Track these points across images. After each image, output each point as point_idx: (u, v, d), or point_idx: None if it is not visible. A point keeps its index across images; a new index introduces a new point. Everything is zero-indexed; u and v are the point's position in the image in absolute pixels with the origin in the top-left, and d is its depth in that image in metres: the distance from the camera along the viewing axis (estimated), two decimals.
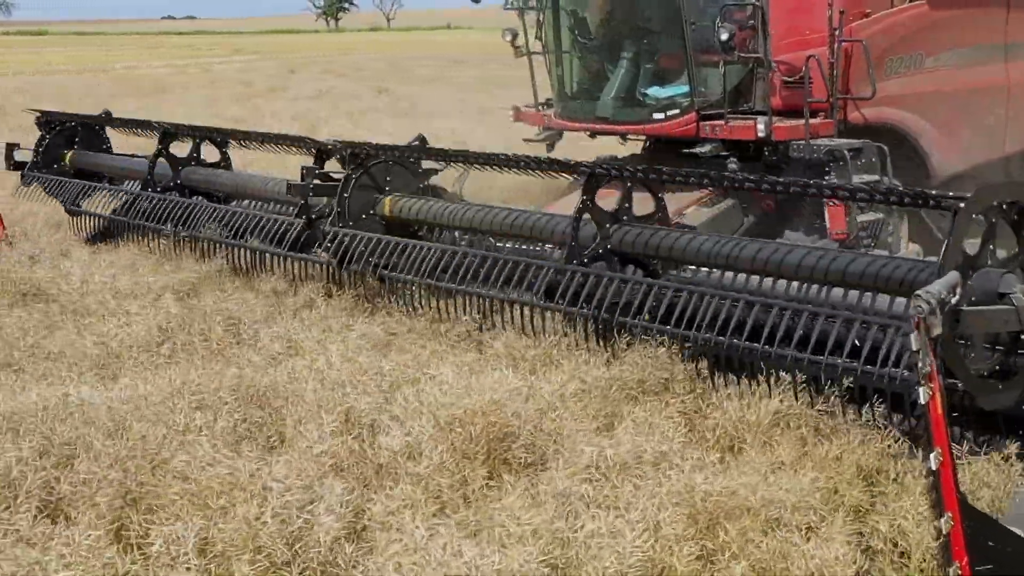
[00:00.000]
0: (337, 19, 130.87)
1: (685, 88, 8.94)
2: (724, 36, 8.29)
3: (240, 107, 22.53)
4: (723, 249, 5.61)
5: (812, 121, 8.41)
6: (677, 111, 8.91)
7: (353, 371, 5.25)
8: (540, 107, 10.26)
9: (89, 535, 3.73)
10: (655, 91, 9.21)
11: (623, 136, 9.79)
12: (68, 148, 10.11)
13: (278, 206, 8.11)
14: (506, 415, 4.51)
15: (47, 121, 10.10)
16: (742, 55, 8.48)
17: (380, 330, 6.11)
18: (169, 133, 8.92)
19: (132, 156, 9.79)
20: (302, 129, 17.12)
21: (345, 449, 4.38)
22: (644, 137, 9.71)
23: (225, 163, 9.03)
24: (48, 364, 5.73)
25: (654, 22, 9.26)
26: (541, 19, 9.88)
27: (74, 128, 10.15)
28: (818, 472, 4.16)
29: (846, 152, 8.14)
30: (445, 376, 4.98)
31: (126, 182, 9.52)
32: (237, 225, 7.94)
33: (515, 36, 10.13)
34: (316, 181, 7.27)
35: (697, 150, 8.76)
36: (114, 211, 9.03)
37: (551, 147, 10.00)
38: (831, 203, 7.91)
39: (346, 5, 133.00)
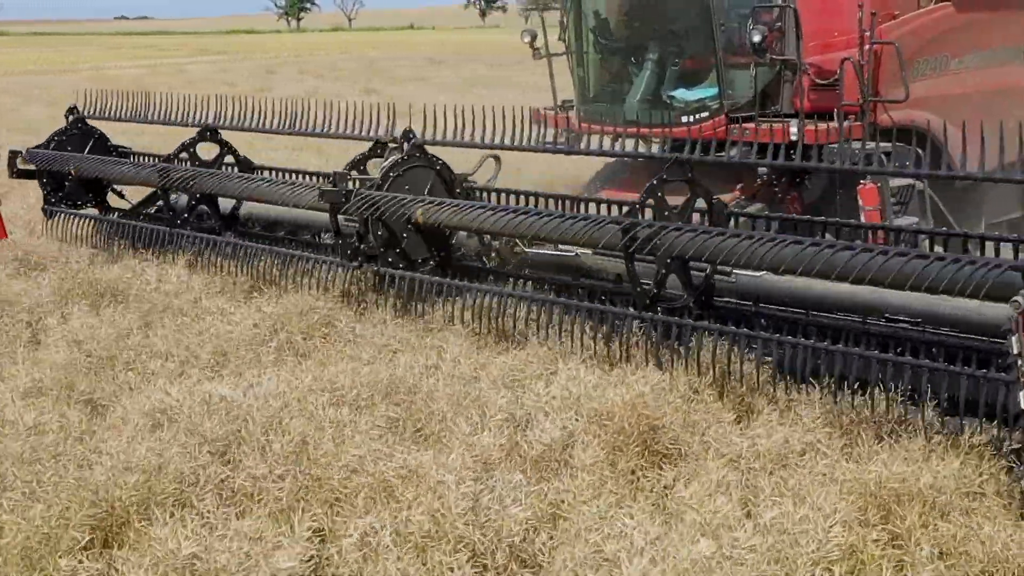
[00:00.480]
0: (299, 19, 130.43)
1: (713, 90, 8.90)
2: (757, 38, 8.21)
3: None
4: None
5: (834, 124, 8.27)
6: (706, 114, 8.84)
7: (476, 366, 5.35)
8: (558, 109, 10.10)
9: (281, 529, 3.81)
10: (683, 93, 9.15)
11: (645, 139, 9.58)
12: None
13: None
14: (652, 408, 4.62)
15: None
16: (774, 57, 8.43)
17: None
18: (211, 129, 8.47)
19: (142, 157, 9.28)
20: None
21: (498, 442, 4.47)
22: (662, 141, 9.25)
23: (244, 164, 8.66)
24: (160, 362, 5.77)
25: (683, 24, 9.19)
26: (565, 21, 9.77)
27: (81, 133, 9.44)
28: (959, 460, 4.27)
29: (883, 156, 7.85)
30: (577, 371, 5.08)
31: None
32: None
33: (534, 38, 9.96)
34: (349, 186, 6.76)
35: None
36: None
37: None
38: (864, 183, 7.86)
39: (308, 5, 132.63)
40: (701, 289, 5.76)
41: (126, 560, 3.65)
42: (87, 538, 3.83)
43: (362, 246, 6.74)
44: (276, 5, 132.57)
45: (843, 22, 8.55)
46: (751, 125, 8.38)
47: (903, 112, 8.61)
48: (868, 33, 8.31)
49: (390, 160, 6.87)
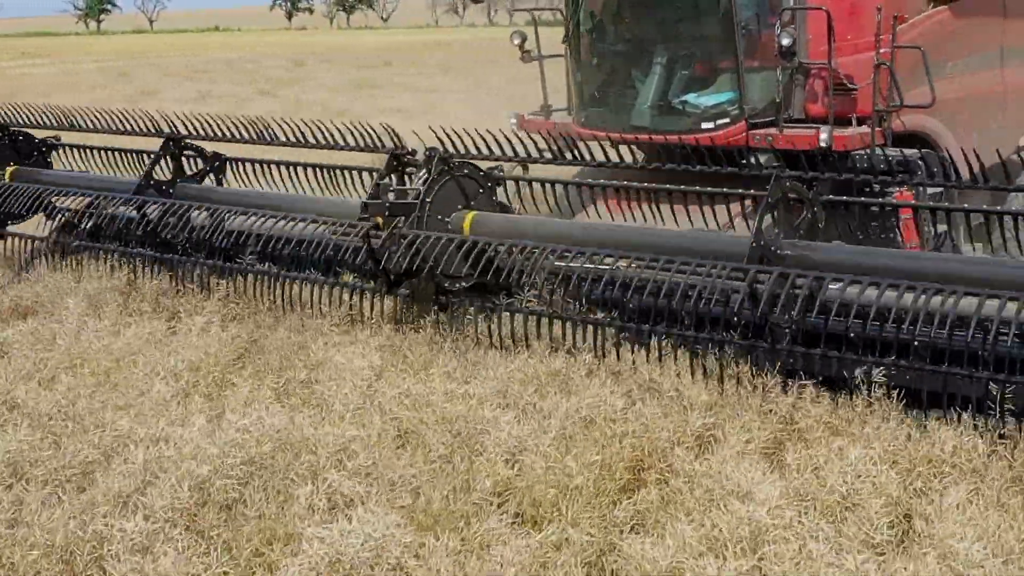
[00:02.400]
0: (99, 20, 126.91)
1: (730, 95, 8.54)
2: (786, 41, 7.91)
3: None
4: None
5: (864, 130, 8.21)
6: (727, 120, 8.44)
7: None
8: (547, 114, 9.73)
9: None
10: (700, 99, 8.72)
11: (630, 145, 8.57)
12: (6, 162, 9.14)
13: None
14: None
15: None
16: (803, 62, 8.22)
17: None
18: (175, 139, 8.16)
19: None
20: None
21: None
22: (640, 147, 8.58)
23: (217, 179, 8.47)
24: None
25: (700, 26, 8.82)
26: (570, 22, 9.24)
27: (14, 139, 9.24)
28: None
29: (920, 162, 7.62)
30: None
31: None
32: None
33: (524, 40, 9.61)
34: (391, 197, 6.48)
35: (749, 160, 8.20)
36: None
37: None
38: (900, 190, 7.65)
39: (108, 6, 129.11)
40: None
41: None
42: None
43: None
44: (75, 7, 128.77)
45: (859, 25, 8.32)
46: (772, 131, 8.24)
47: (910, 117, 8.51)
48: (885, 36, 8.13)
49: (420, 178, 6.57)
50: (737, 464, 4.44)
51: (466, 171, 6.80)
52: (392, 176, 6.87)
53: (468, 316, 6.32)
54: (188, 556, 3.85)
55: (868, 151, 8.13)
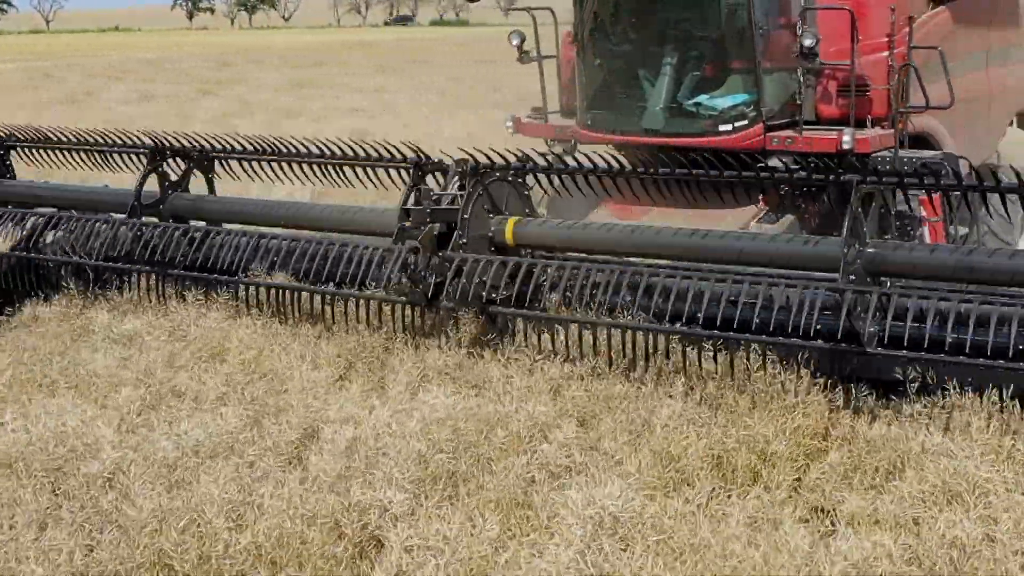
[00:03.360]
0: None
1: (745, 96, 8.40)
2: (809, 42, 7.82)
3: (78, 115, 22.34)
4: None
5: (883, 132, 8.18)
6: (746, 122, 8.30)
7: None
8: (547, 117, 9.48)
9: None
10: (715, 100, 8.55)
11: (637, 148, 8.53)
12: None
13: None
14: None
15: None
16: (825, 63, 8.12)
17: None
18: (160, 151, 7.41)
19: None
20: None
21: None
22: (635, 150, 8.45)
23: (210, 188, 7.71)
24: None
25: (718, 26, 8.62)
26: (579, 21, 8.99)
27: None
28: None
29: (947, 164, 7.54)
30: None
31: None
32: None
33: (523, 40, 9.33)
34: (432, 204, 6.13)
35: (772, 164, 7.93)
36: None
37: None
38: (929, 220, 7.82)
39: (4, 6, 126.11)
40: None
41: None
42: None
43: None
44: None
45: (870, 25, 8.20)
46: (790, 133, 8.16)
47: (919, 119, 8.45)
48: (899, 36, 8.13)
49: (453, 183, 6.22)
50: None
51: (497, 175, 6.30)
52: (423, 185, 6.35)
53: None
54: (452, 522, 4.09)
55: (890, 153, 8.06)
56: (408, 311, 6.08)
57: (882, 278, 5.37)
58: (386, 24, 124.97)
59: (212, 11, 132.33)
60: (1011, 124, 10.61)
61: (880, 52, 8.17)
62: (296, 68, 35.91)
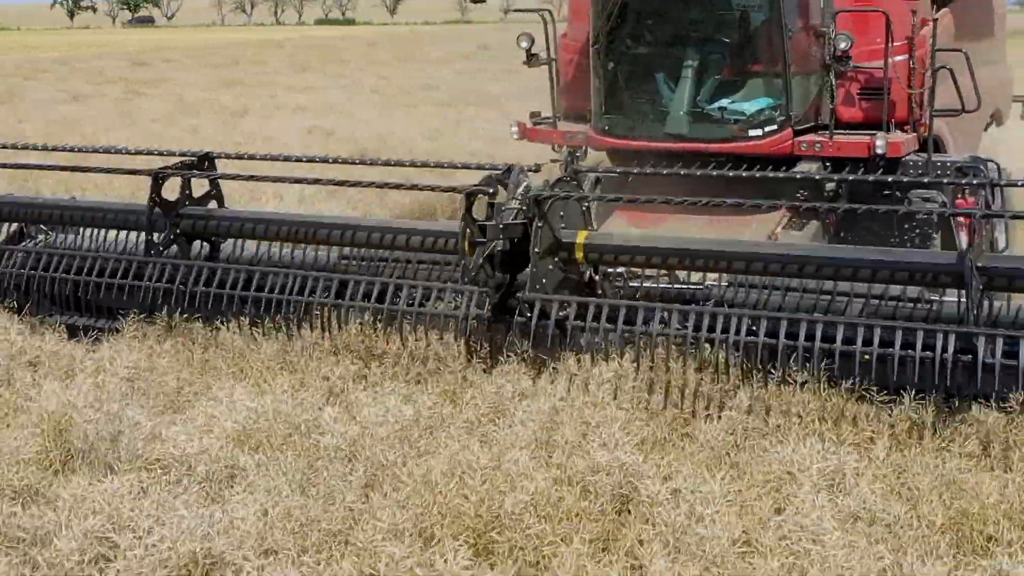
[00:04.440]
0: None
1: (771, 101, 8.29)
2: (843, 45, 7.81)
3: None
4: None
5: (906, 135, 8.13)
6: (775, 127, 8.17)
7: None
8: (556, 122, 9.19)
9: None
10: (742, 105, 8.40)
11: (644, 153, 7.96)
12: None
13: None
14: None
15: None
16: (858, 66, 8.08)
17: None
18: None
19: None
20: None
21: None
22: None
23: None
24: None
25: (748, 30, 8.54)
26: (598, 23, 8.67)
27: None
28: None
29: (982, 167, 7.45)
30: None
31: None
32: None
33: (532, 43, 9.00)
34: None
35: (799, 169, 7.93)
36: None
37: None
38: (963, 197, 7.87)
39: None
40: None
41: None
42: None
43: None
44: None
45: (881, 28, 8.04)
46: (820, 138, 8.13)
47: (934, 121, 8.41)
48: (920, 39, 8.13)
49: (518, 195, 5.73)
50: None
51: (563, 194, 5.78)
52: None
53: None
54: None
55: (918, 157, 8.11)
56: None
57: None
58: (125, 25, 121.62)
59: (94, 10, 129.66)
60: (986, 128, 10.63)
61: (901, 54, 8.12)
62: (215, 67, 35.60)
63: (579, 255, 5.70)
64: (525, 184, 5.68)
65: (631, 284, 5.90)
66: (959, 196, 7.87)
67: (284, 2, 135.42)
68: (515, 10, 9.81)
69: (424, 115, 21.19)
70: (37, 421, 4.89)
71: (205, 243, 6.77)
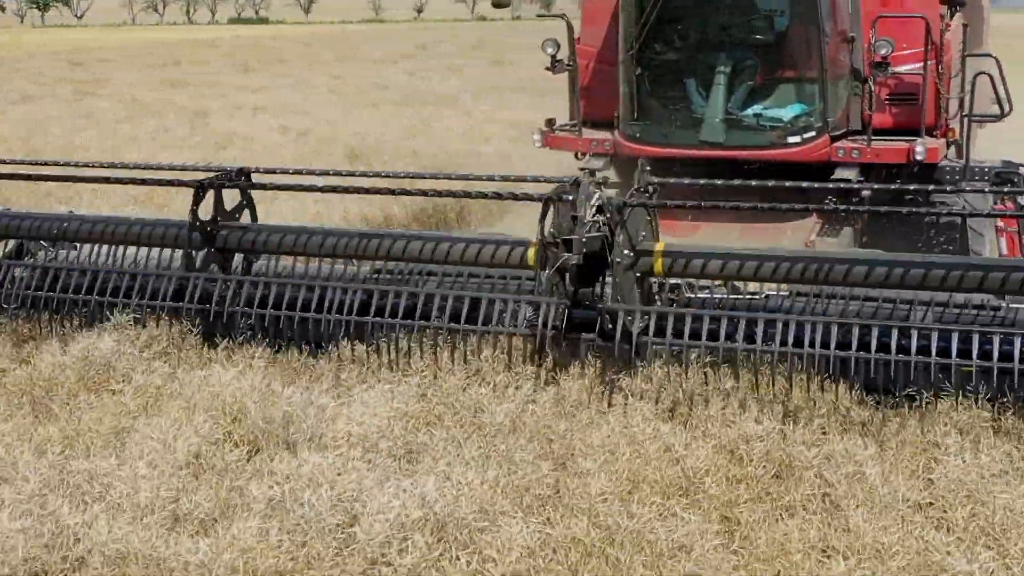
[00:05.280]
0: None
1: (806, 107, 8.31)
2: (884, 51, 7.77)
3: None
4: None
5: (938, 141, 8.19)
6: (813, 133, 8.17)
7: None
8: (580, 130, 9.11)
9: None
10: (779, 111, 8.42)
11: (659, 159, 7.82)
12: None
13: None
14: None
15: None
16: (897, 71, 8.10)
17: None
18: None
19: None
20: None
21: None
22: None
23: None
24: None
25: (786, 36, 8.55)
26: (630, 29, 8.58)
27: None
28: None
29: (1020, 171, 7.69)
30: None
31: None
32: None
33: (558, 49, 8.89)
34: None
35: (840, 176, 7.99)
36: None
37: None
38: (1007, 230, 8.03)
39: None
40: None
41: None
42: None
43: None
44: None
45: (911, 33, 8.11)
46: (857, 144, 8.12)
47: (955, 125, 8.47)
48: (947, 44, 8.23)
49: (592, 206, 5.57)
50: None
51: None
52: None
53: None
54: None
55: (955, 163, 8.23)
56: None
57: None
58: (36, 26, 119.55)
59: (3, 9, 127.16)
60: None
61: (930, 60, 8.12)
62: (153, 68, 35.36)
63: (657, 265, 5.57)
64: (598, 195, 5.60)
65: (687, 295, 5.80)
66: (998, 201, 8.09)
67: (197, 1, 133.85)
68: (539, 16, 9.66)
69: (387, 115, 21.42)
70: (208, 407, 5.19)
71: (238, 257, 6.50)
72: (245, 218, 6.63)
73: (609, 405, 5.28)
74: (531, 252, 5.75)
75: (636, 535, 4.04)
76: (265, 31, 78.52)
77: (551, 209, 5.56)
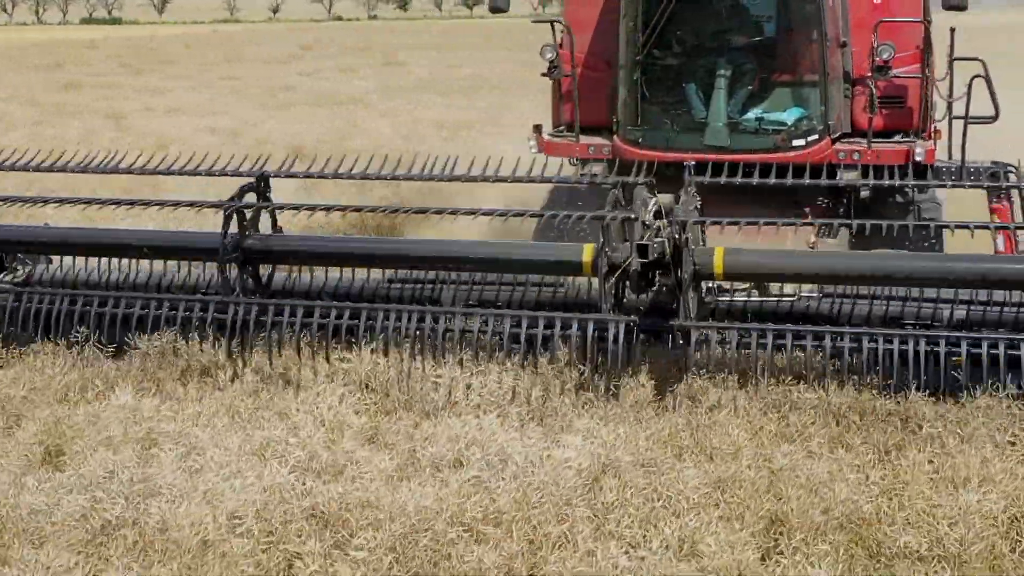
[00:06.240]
0: None
1: (806, 110, 8.41)
2: (887, 55, 7.87)
3: None
4: None
5: (931, 143, 8.30)
6: (816, 136, 8.27)
7: None
8: (578, 136, 8.89)
9: None
10: (782, 115, 8.49)
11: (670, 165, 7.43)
12: None
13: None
14: None
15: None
16: (897, 75, 8.14)
17: None
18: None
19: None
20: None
21: None
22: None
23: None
24: None
25: (789, 39, 8.62)
26: (628, 31, 8.61)
27: None
28: None
29: (1011, 170, 7.74)
30: None
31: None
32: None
33: (556, 55, 8.84)
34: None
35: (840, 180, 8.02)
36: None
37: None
38: (997, 203, 8.23)
39: None
40: None
41: None
42: None
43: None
44: None
45: (903, 35, 8.16)
46: (858, 147, 8.20)
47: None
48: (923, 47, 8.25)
49: (650, 211, 5.75)
50: None
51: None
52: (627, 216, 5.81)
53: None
54: None
55: (950, 163, 8.45)
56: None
57: None
58: None
59: None
60: None
61: (913, 64, 8.24)
62: (38, 70, 34.67)
63: (718, 272, 5.77)
64: (654, 201, 5.69)
65: (720, 299, 6.02)
66: (993, 200, 8.40)
67: (47, 1, 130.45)
68: (535, 20, 9.37)
69: (306, 115, 21.41)
70: (345, 380, 5.78)
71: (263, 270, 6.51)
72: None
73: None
74: (587, 259, 5.89)
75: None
76: (124, 31, 77.21)
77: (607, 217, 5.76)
